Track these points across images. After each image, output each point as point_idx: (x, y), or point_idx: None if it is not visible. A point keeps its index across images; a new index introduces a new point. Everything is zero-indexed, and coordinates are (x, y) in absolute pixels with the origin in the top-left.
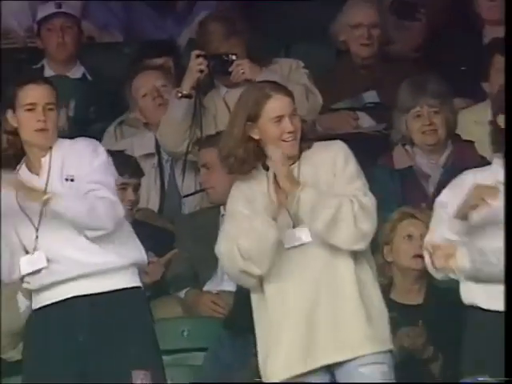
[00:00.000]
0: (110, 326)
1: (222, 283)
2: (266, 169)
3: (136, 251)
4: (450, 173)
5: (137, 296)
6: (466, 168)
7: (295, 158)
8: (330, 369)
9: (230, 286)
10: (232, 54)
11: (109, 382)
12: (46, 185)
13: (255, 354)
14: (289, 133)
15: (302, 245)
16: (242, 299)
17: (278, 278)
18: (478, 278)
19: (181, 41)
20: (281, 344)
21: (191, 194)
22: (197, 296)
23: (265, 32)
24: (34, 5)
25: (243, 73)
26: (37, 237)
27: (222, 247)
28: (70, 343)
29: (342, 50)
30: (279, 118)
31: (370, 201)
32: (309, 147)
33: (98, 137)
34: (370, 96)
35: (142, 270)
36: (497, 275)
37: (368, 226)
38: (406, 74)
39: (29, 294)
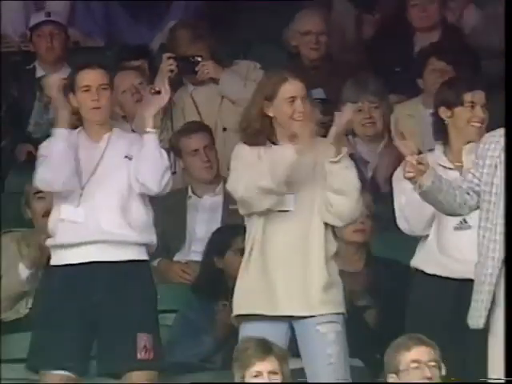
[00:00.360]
0: (121, 290)
1: (190, 254)
2: (273, 143)
3: (151, 233)
4: (385, 161)
5: (145, 268)
6: (398, 155)
7: (306, 138)
8: (290, 321)
9: (197, 257)
10: (198, 56)
11: (115, 339)
12: (103, 153)
13: (219, 312)
14: (299, 112)
15: (288, 211)
16: (206, 268)
17: (265, 233)
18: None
19: (153, 45)
20: (253, 287)
21: None
22: (168, 265)
23: (226, 37)
24: (27, 13)
25: (207, 72)
26: (81, 194)
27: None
28: (84, 302)
29: (294, 53)
30: (292, 99)
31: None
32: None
33: None
34: (318, 93)
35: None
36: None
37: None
38: (348, 74)
39: (30, 263)
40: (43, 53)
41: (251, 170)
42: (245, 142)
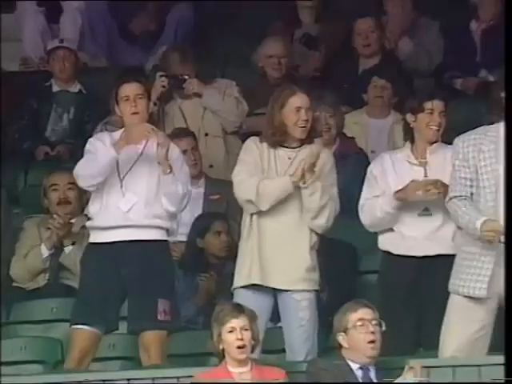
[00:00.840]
0: (145, 264)
1: (177, 236)
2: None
3: (173, 221)
4: (338, 159)
5: (166, 247)
6: (348, 155)
7: (305, 142)
8: (275, 293)
9: (183, 238)
10: (185, 75)
11: (141, 303)
12: (141, 153)
13: (201, 283)
14: (303, 120)
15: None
16: (190, 247)
17: (261, 223)
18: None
19: (148, 66)
20: (250, 265)
21: None
22: None
23: (208, 60)
24: (45, 40)
25: (193, 88)
26: (121, 186)
27: (241, 177)
28: (116, 273)
29: (261, 72)
30: (298, 109)
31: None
32: (311, 142)
33: (90, 134)
34: None
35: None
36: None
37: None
38: (307, 89)
39: (50, 245)
40: (58, 72)
41: (251, 181)
42: (272, 145)
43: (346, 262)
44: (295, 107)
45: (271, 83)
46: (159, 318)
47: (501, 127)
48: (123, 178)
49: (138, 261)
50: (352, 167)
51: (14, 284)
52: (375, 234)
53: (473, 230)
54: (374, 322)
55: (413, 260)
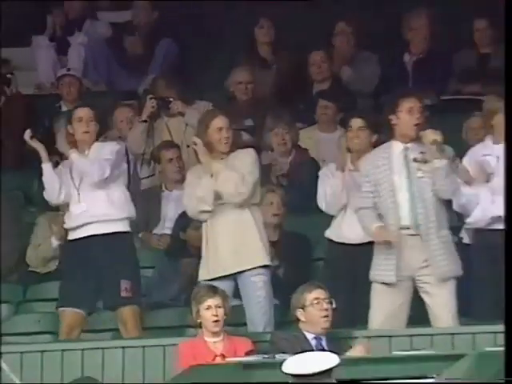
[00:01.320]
0: (112, 253)
1: (164, 229)
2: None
3: (131, 210)
4: (294, 166)
5: (129, 236)
6: (303, 163)
7: (229, 153)
8: (235, 277)
9: (168, 231)
10: (170, 98)
11: (109, 284)
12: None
13: (183, 268)
14: (225, 138)
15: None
16: (174, 239)
17: (215, 220)
18: None
19: (140, 90)
20: (211, 259)
21: (145, 178)
22: (148, 237)
23: (189, 85)
24: (55, 69)
25: (177, 108)
26: (78, 194)
27: (187, 200)
28: (89, 264)
29: (232, 96)
30: (220, 129)
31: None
32: (233, 150)
33: None
34: (248, 121)
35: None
36: None
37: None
38: (269, 109)
39: (58, 236)
40: (65, 95)
41: (194, 191)
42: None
43: (301, 250)
44: (217, 128)
45: (240, 104)
46: (122, 294)
47: (392, 144)
48: (79, 186)
49: (105, 250)
50: (306, 173)
51: (30, 269)
52: (325, 228)
53: (371, 234)
54: (326, 301)
55: (350, 247)
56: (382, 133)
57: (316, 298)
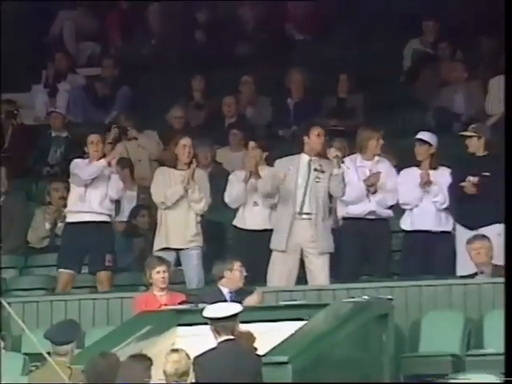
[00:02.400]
0: (99, 235)
1: (122, 217)
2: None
3: (113, 208)
4: (212, 176)
5: (109, 224)
6: (218, 173)
7: (189, 166)
8: (177, 251)
9: (125, 218)
10: (128, 127)
11: (96, 255)
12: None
13: (137, 245)
14: (187, 152)
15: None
16: (129, 224)
17: (169, 212)
18: None
19: (107, 121)
20: (162, 236)
21: None
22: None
23: (141, 118)
24: (47, 107)
25: (132, 135)
26: (85, 191)
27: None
28: (81, 243)
29: (171, 125)
30: (184, 146)
31: None
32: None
33: (71, 160)
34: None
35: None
36: None
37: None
38: (195, 135)
39: (49, 222)
40: (54, 125)
41: (162, 187)
42: (164, 165)
43: (218, 233)
44: (182, 145)
45: (175, 132)
46: (106, 264)
47: (302, 156)
48: (87, 184)
49: (93, 232)
50: (220, 179)
51: (30, 245)
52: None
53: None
54: (243, 268)
55: (248, 232)
56: (272, 151)
57: (240, 266)
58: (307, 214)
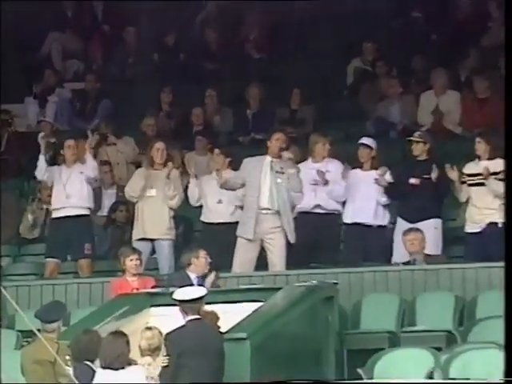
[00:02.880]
0: (78, 227)
1: (103, 212)
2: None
3: (91, 201)
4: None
5: (88, 216)
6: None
7: (163, 167)
8: (152, 241)
9: (105, 213)
10: (107, 134)
11: (77, 246)
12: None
13: (114, 233)
14: (161, 155)
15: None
16: (109, 218)
17: (144, 204)
18: None
19: (89, 129)
20: (138, 227)
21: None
22: (94, 217)
23: (119, 127)
24: (38, 116)
25: (112, 141)
26: (64, 187)
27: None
28: (64, 235)
29: (145, 133)
30: (158, 150)
31: None
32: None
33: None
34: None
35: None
36: None
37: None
38: (165, 141)
39: (32, 216)
40: (43, 132)
41: (133, 185)
42: (140, 166)
43: (187, 227)
44: (157, 148)
45: (148, 138)
46: (85, 252)
47: (266, 157)
48: (66, 181)
49: (74, 225)
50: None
51: (21, 236)
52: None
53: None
54: (209, 256)
55: (215, 226)
56: (233, 156)
57: (205, 254)
58: (268, 209)
